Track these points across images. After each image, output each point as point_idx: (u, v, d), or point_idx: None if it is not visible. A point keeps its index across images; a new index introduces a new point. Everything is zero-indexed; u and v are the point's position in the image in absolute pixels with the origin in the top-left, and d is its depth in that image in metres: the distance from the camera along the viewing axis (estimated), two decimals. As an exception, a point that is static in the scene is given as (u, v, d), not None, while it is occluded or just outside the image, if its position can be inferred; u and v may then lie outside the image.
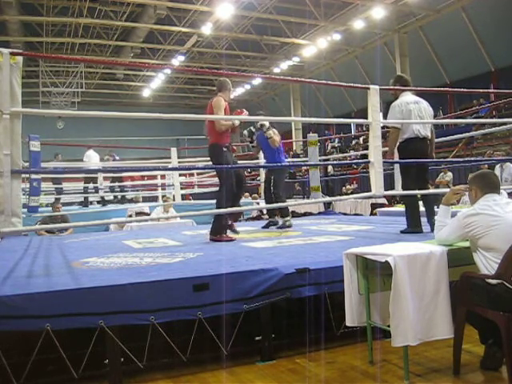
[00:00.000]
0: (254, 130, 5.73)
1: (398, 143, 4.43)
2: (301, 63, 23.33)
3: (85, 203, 10.97)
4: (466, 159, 10.05)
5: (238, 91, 26.86)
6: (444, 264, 2.49)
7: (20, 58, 3.06)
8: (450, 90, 17.92)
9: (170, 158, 9.13)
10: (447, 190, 3.33)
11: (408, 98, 4.53)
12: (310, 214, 9.65)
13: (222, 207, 4.43)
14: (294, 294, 2.83)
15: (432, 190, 9.59)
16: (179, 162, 9.70)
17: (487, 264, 2.40)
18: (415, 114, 4.42)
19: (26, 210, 5.36)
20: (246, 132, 5.83)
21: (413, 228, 4.40)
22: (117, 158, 12.13)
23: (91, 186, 11.21)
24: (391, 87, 4.68)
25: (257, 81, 24.60)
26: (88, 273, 3.04)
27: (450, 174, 11.00)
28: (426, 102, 4.59)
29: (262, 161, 7.86)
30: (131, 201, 11.29)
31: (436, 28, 18.18)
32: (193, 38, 19.86)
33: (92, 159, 11.29)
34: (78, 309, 2.44)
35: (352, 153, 16.25)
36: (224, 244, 4.41)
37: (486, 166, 8.48)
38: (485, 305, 2.35)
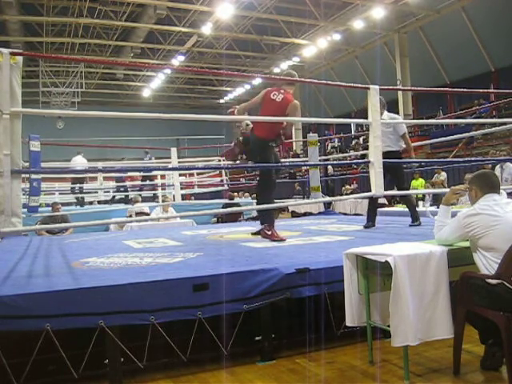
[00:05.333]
0: None
1: None
2: (301, 63, 23.33)
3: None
4: (466, 159, 10.03)
5: (238, 91, 26.82)
6: (444, 264, 2.49)
7: (20, 58, 3.06)
8: (450, 90, 17.93)
9: (170, 157, 9.14)
10: (445, 190, 3.33)
11: None
12: (310, 213, 9.67)
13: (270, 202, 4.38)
14: (294, 294, 2.83)
15: (431, 190, 9.60)
16: (179, 162, 9.70)
17: (487, 264, 2.40)
18: None
19: (26, 209, 5.36)
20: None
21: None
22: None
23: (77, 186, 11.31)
24: (391, 87, 4.70)
25: (257, 81, 24.57)
26: (88, 273, 3.04)
27: (443, 173, 11.03)
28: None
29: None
30: (152, 199, 11.60)
31: (436, 28, 18.19)
32: (193, 37, 19.87)
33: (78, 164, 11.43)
34: (78, 309, 2.44)
35: (352, 153, 16.24)
36: (225, 244, 4.41)
37: (490, 166, 8.45)
38: (485, 305, 2.35)
